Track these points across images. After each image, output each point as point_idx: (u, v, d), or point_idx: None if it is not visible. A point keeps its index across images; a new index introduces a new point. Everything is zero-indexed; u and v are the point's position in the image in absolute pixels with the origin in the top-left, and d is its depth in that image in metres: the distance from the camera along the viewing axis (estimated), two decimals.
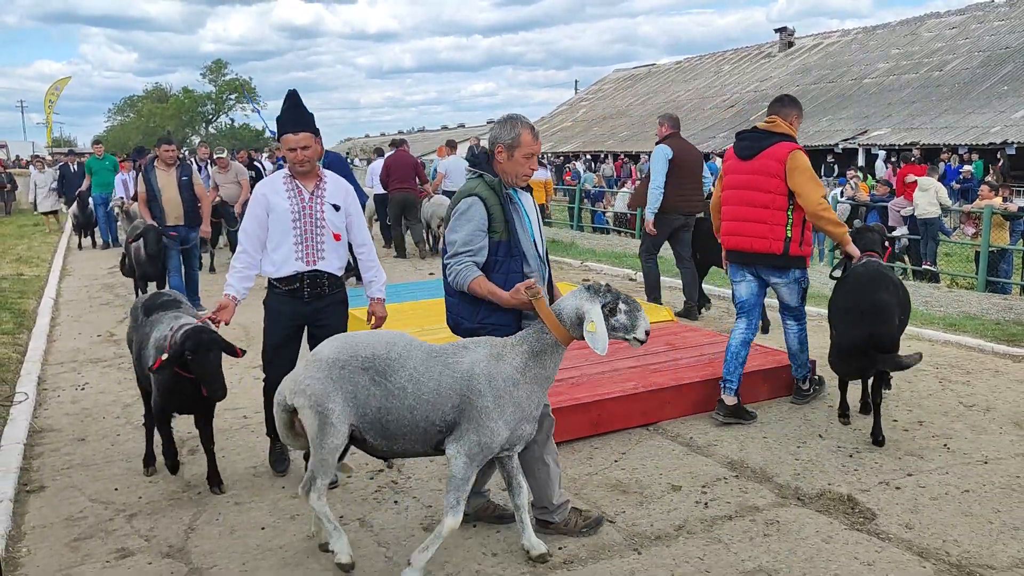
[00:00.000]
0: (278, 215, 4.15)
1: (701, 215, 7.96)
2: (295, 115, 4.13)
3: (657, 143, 7.94)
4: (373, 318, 4.42)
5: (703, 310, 8.23)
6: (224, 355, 4.02)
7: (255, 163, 13.16)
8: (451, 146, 14.44)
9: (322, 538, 3.61)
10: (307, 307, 4.22)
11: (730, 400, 5.14)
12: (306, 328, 4.32)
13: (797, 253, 5.13)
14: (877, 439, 4.69)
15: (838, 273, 5.33)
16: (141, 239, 8.06)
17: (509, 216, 3.57)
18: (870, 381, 4.94)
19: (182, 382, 4.02)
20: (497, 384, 3.25)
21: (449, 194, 13.04)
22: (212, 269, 11.78)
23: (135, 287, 8.91)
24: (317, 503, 3.43)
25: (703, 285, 8.32)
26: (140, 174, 8.35)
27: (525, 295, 3.36)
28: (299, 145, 4.08)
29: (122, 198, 12.64)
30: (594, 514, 3.84)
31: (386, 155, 13.54)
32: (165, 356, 3.91)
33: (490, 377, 3.25)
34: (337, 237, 4.24)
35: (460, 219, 3.55)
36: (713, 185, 6.85)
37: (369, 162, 16.31)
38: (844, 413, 5.13)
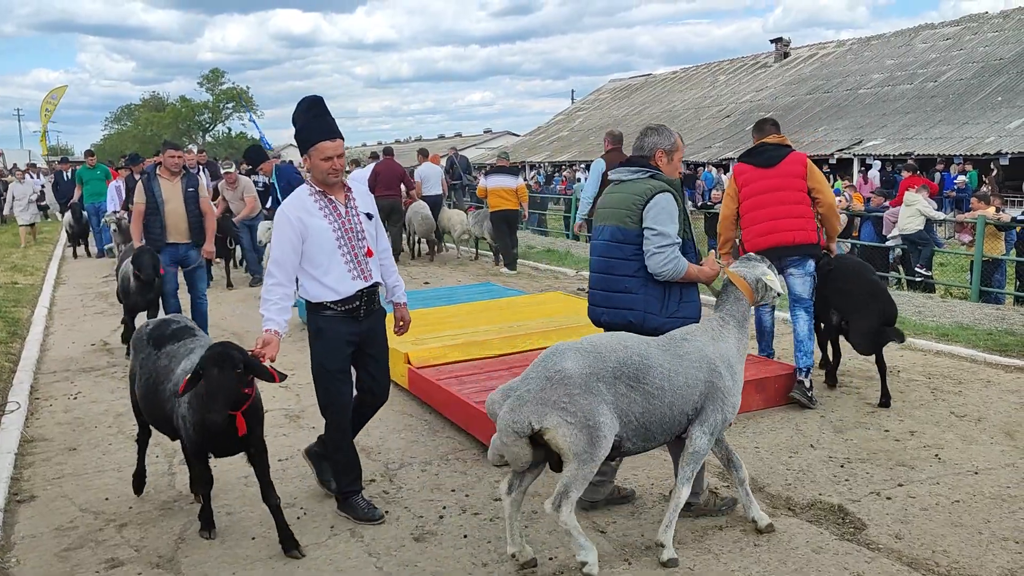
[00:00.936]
0: (318, 236, 3.85)
1: None
2: (330, 121, 3.90)
3: (601, 157, 8.86)
4: (401, 323, 4.31)
5: None
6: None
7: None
8: (424, 154, 15.27)
9: (525, 556, 3.49)
10: (362, 324, 4.00)
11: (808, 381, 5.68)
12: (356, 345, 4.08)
13: (822, 243, 5.79)
14: (886, 401, 5.52)
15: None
16: (132, 263, 6.89)
17: (685, 214, 3.91)
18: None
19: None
20: (730, 362, 3.61)
21: (426, 199, 13.83)
22: (229, 284, 11.53)
23: (124, 319, 7.49)
24: (569, 518, 3.27)
25: None
26: (140, 182, 7.27)
27: (718, 265, 3.88)
28: (336, 153, 3.85)
29: (115, 212, 12.28)
30: (727, 496, 4.03)
31: (374, 163, 14.03)
32: (186, 379, 3.55)
33: (722, 358, 3.59)
34: (370, 253, 3.97)
35: (664, 213, 3.78)
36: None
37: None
38: (827, 367, 6.02)
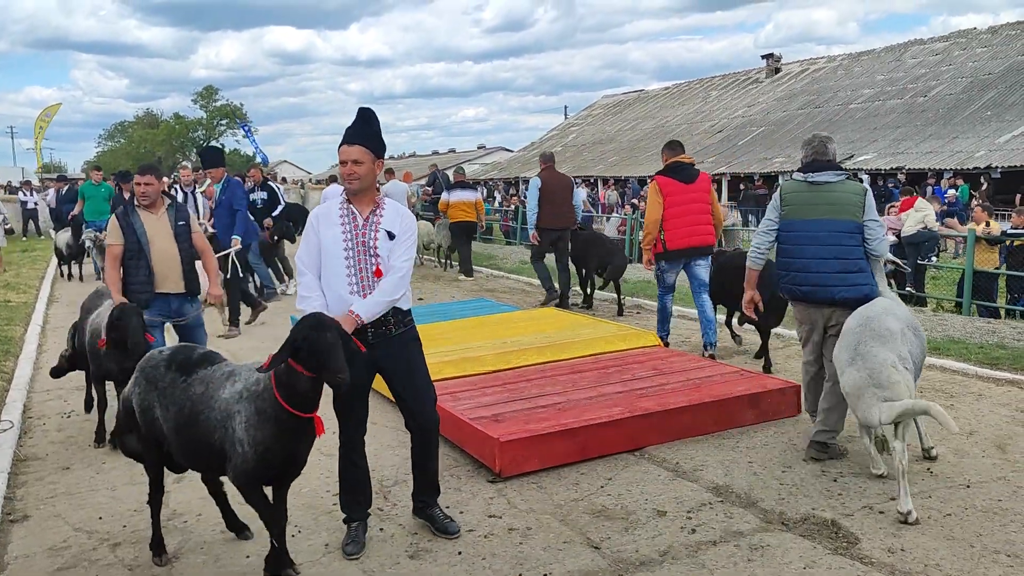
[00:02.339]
0: (328, 243, 3.76)
1: (578, 228, 10.47)
2: (354, 127, 3.81)
3: (537, 175, 10.31)
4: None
5: (584, 304, 10.51)
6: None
7: (268, 183, 12.10)
8: (390, 172, 16.86)
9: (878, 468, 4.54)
10: (376, 352, 3.80)
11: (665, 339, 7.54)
12: (381, 375, 3.93)
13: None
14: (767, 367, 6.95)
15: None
16: (111, 327, 5.01)
17: None
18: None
19: (289, 429, 3.35)
20: None
21: None
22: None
23: (92, 391, 5.81)
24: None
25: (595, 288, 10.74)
26: (113, 218, 5.62)
27: None
28: (349, 158, 3.73)
29: (94, 229, 11.47)
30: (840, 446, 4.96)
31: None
32: (272, 355, 3.31)
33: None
34: (378, 272, 3.77)
35: (874, 207, 4.85)
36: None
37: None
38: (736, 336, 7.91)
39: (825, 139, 5.00)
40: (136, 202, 5.64)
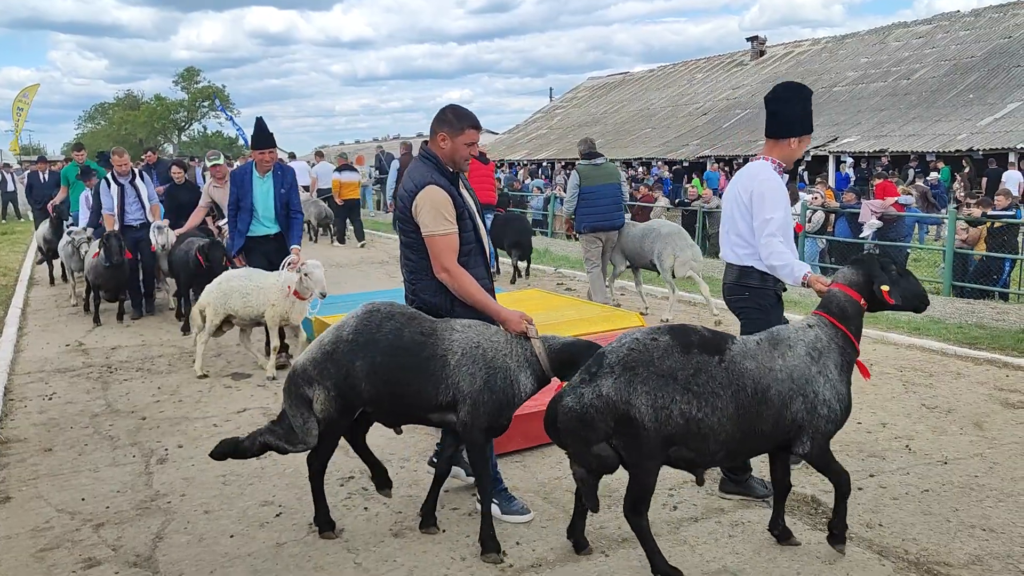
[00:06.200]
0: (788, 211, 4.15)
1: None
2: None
3: (397, 159, 13.84)
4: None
5: None
6: None
7: None
8: (319, 155, 19.75)
9: None
10: None
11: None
12: None
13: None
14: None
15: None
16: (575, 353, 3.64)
17: None
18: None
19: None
20: None
21: (321, 193, 17.23)
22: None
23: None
24: None
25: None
26: (436, 189, 3.72)
27: None
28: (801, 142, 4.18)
29: (86, 228, 9.51)
30: None
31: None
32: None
33: None
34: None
35: None
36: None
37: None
38: None
39: (592, 139, 8.85)
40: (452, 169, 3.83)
